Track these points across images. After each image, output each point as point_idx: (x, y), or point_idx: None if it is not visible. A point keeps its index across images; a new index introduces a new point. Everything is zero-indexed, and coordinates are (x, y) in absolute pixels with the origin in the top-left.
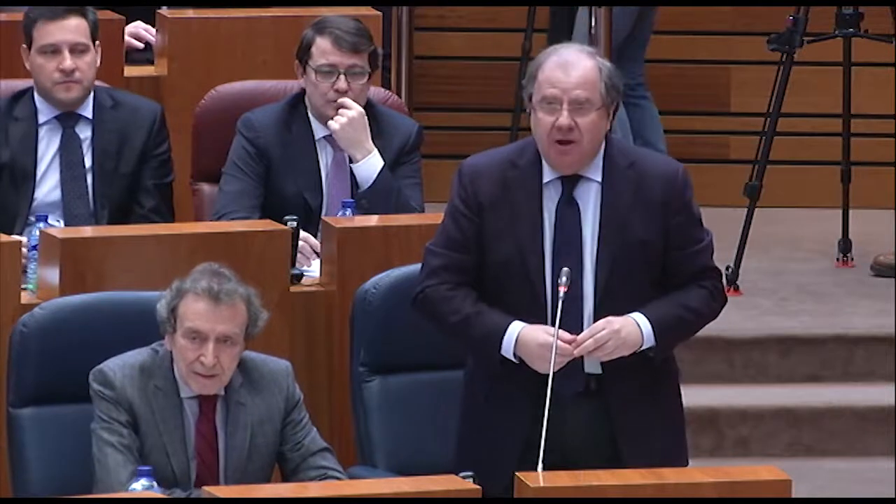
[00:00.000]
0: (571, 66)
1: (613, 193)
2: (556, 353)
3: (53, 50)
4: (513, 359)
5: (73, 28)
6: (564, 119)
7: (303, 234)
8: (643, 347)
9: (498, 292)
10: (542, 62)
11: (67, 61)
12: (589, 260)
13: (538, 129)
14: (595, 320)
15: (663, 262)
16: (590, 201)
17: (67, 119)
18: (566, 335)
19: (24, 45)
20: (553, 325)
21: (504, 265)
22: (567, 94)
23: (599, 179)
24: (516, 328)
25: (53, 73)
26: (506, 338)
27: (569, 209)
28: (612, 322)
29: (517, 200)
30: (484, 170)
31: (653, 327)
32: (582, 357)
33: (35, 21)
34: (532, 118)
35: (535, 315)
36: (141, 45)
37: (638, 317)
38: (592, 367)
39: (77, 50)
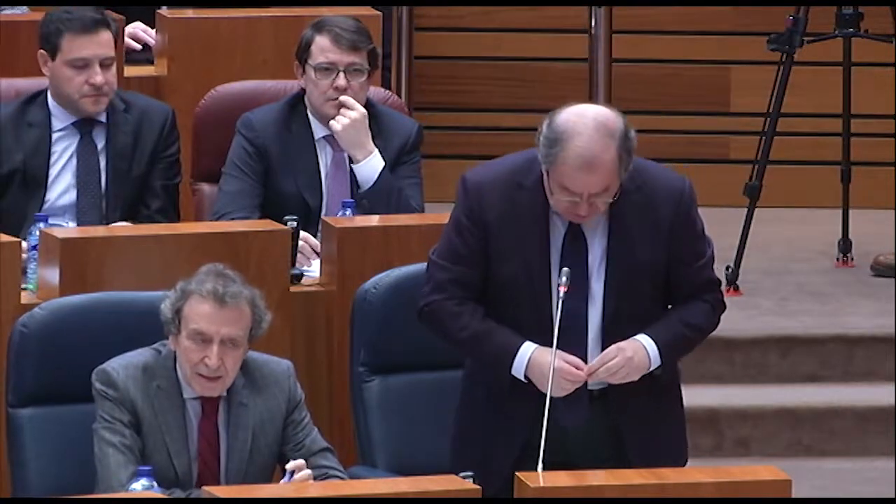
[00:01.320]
0: (594, 167)
1: (621, 220)
2: (558, 377)
3: (84, 64)
4: (523, 379)
5: (104, 42)
6: (584, 211)
7: (303, 234)
8: (651, 369)
9: (504, 309)
10: (562, 147)
11: (99, 77)
12: (596, 286)
13: (554, 201)
14: (601, 342)
15: (667, 278)
16: (597, 229)
17: (84, 125)
18: (578, 361)
19: (43, 51)
20: (556, 345)
21: (511, 284)
22: (588, 190)
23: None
24: (528, 350)
25: (83, 87)
26: (517, 359)
27: (576, 239)
28: (624, 350)
29: (524, 223)
30: (489, 186)
31: (659, 349)
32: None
33: (62, 32)
34: (545, 180)
35: (541, 334)
36: (139, 47)
37: (645, 340)
38: (596, 384)
39: (106, 63)
